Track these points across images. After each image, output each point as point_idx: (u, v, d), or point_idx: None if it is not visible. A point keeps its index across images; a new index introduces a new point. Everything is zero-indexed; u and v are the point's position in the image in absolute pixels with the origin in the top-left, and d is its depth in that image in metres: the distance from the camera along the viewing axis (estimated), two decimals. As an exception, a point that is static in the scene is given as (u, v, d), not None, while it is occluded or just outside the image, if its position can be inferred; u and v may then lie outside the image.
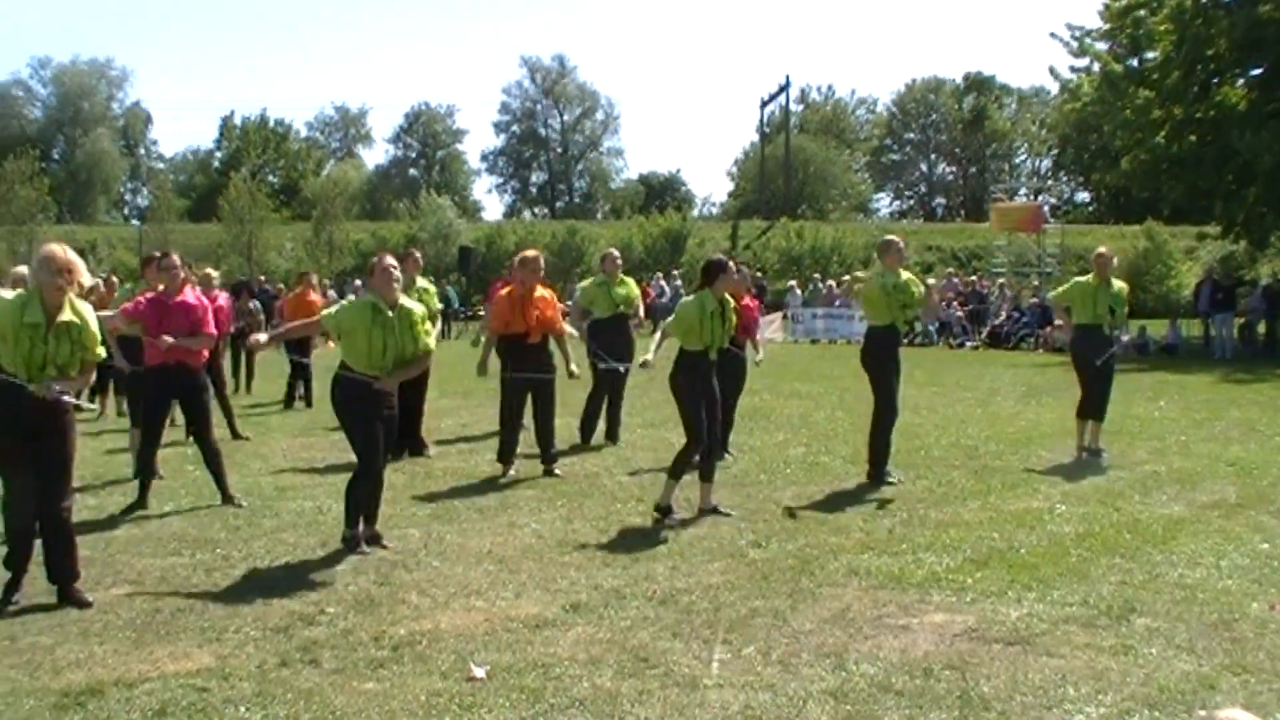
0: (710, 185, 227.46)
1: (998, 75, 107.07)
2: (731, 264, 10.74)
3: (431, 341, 9.50)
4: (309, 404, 18.78)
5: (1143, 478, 11.86)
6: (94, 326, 7.74)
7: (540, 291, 12.52)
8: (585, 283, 15.02)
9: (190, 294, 11.00)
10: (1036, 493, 11.16)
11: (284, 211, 71.78)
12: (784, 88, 78.28)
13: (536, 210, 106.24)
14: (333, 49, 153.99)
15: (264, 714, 5.76)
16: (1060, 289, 13.67)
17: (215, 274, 16.54)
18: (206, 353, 11.41)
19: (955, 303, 36.40)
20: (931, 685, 6.01)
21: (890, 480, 11.70)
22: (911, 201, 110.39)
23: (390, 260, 9.30)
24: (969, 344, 34.08)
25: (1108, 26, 34.30)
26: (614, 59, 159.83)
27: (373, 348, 8.91)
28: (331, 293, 33.44)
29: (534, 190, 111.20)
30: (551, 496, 11.16)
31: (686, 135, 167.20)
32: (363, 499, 9.11)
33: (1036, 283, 39.06)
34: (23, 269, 13.35)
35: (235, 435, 15.10)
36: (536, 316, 12.33)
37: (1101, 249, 13.94)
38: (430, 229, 60.33)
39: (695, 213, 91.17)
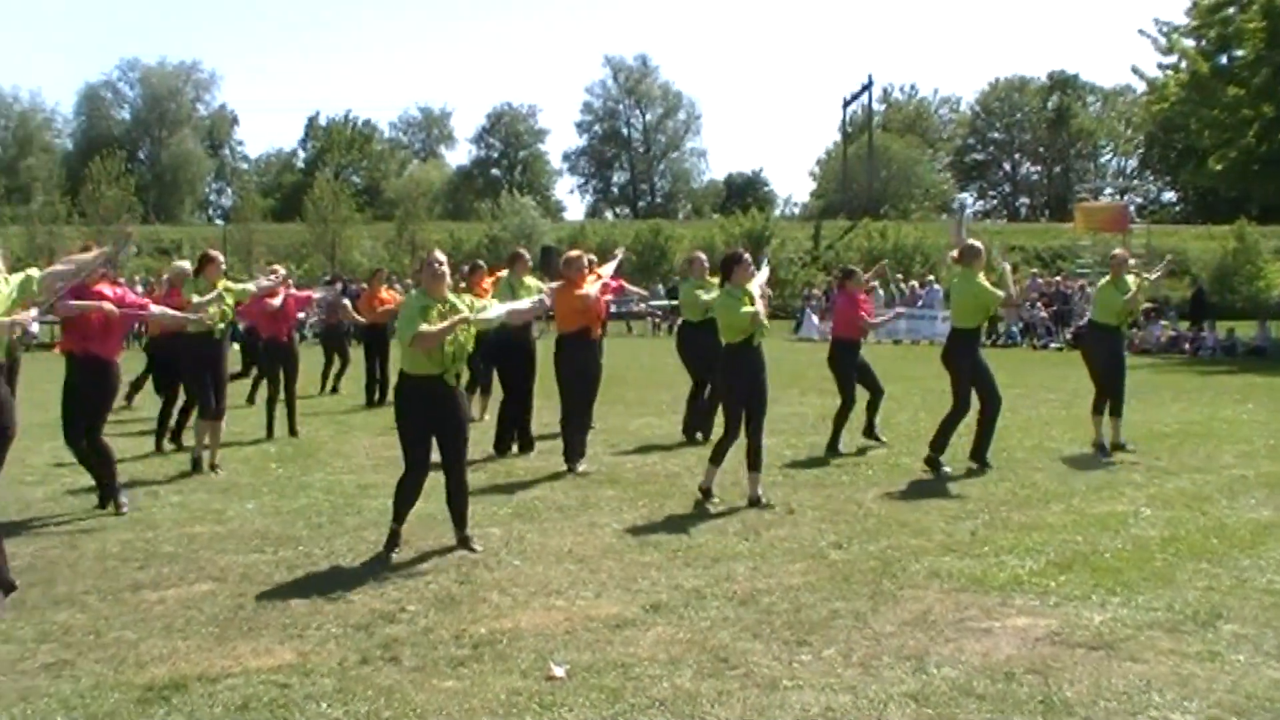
0: (792, 185, 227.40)
1: (1082, 73, 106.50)
2: (748, 256, 11.33)
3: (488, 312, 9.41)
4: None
5: (1230, 481, 11.71)
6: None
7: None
8: (687, 285, 14.83)
9: (108, 288, 10.60)
10: (1121, 496, 11.04)
11: (367, 211, 72.45)
12: (867, 87, 78.18)
13: (618, 210, 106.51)
14: (416, 50, 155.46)
15: (345, 710, 5.81)
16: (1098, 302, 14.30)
17: (282, 270, 16.64)
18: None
19: (1039, 303, 36.11)
20: (1013, 689, 5.96)
21: (947, 470, 12.21)
22: (995, 201, 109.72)
23: (438, 255, 9.22)
24: (1053, 345, 33.81)
25: (1196, 23, 33.89)
26: (696, 59, 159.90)
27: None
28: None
29: (616, 190, 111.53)
30: (633, 496, 11.18)
31: (768, 135, 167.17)
32: (407, 498, 9.04)
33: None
34: (184, 264, 13.94)
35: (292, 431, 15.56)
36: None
37: (1117, 250, 15.26)
38: (512, 229, 60.64)
39: (777, 212, 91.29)
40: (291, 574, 8.44)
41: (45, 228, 55.35)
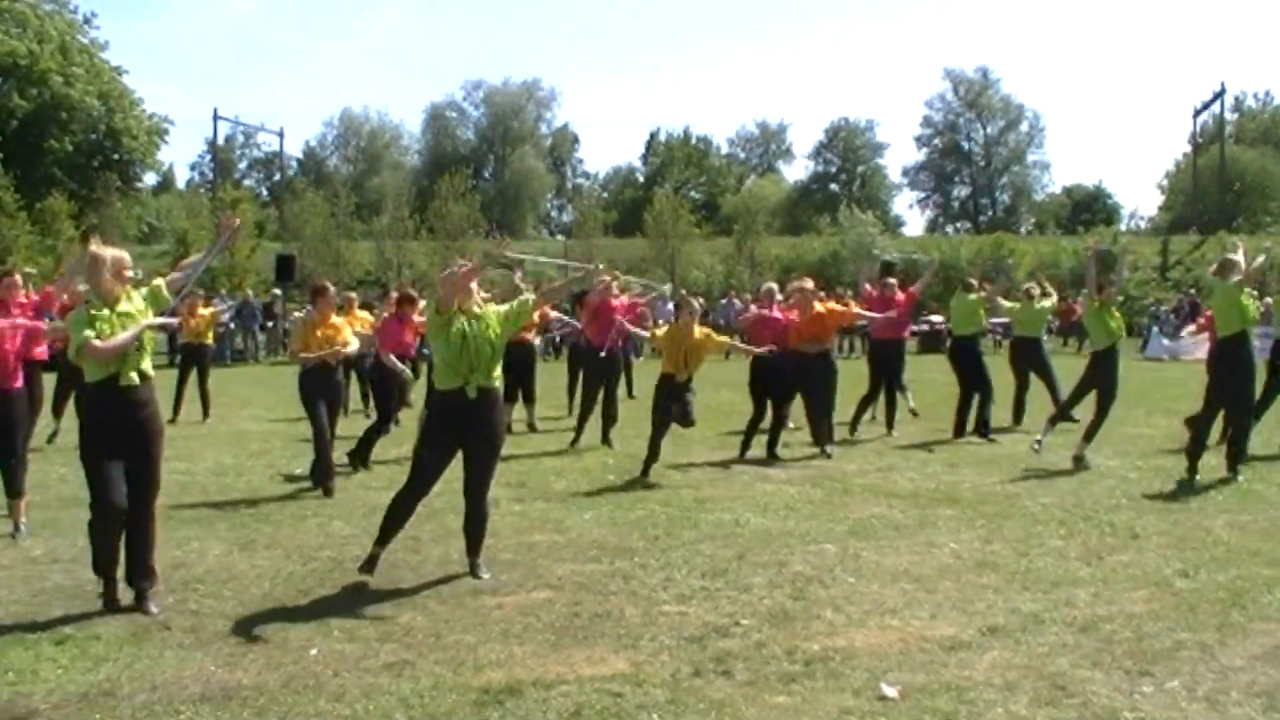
0: (1138, 198, 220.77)
1: None
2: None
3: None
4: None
5: None
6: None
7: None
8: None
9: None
10: None
11: (705, 226, 73.19)
12: (1218, 95, 74.95)
13: (959, 225, 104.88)
14: (754, 66, 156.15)
15: (676, 722, 5.89)
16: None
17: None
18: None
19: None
20: (1375, 732, 5.66)
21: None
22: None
23: (461, 262, 8.82)
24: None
25: None
26: (1038, 69, 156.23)
27: (450, 351, 8.50)
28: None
29: (956, 205, 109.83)
30: (970, 516, 11.02)
31: (1113, 146, 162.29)
32: (398, 517, 8.81)
33: None
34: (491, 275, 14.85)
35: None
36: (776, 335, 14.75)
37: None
38: (851, 244, 60.39)
39: (1122, 226, 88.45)
40: (627, 584, 8.59)
41: (394, 243, 57.93)
